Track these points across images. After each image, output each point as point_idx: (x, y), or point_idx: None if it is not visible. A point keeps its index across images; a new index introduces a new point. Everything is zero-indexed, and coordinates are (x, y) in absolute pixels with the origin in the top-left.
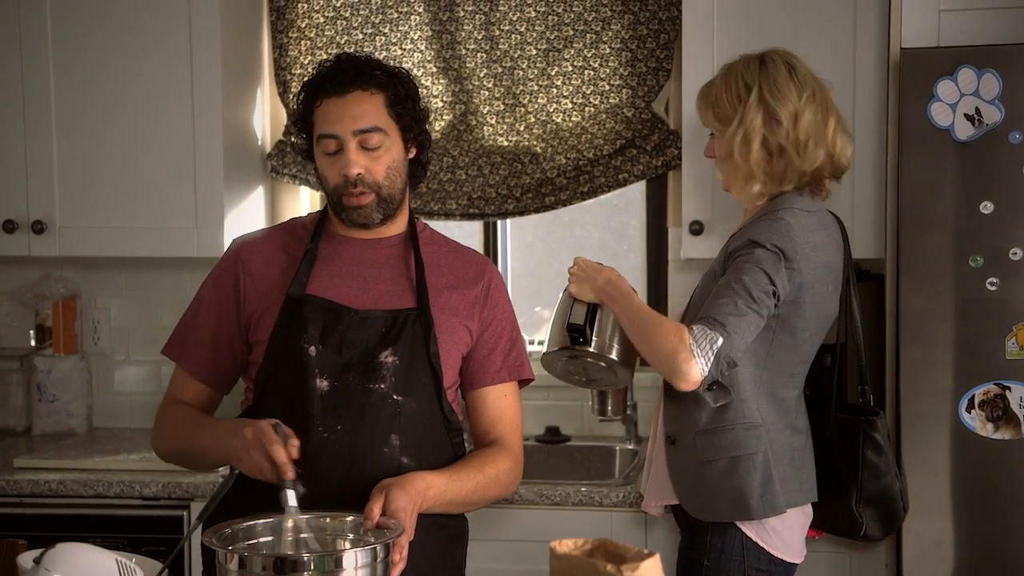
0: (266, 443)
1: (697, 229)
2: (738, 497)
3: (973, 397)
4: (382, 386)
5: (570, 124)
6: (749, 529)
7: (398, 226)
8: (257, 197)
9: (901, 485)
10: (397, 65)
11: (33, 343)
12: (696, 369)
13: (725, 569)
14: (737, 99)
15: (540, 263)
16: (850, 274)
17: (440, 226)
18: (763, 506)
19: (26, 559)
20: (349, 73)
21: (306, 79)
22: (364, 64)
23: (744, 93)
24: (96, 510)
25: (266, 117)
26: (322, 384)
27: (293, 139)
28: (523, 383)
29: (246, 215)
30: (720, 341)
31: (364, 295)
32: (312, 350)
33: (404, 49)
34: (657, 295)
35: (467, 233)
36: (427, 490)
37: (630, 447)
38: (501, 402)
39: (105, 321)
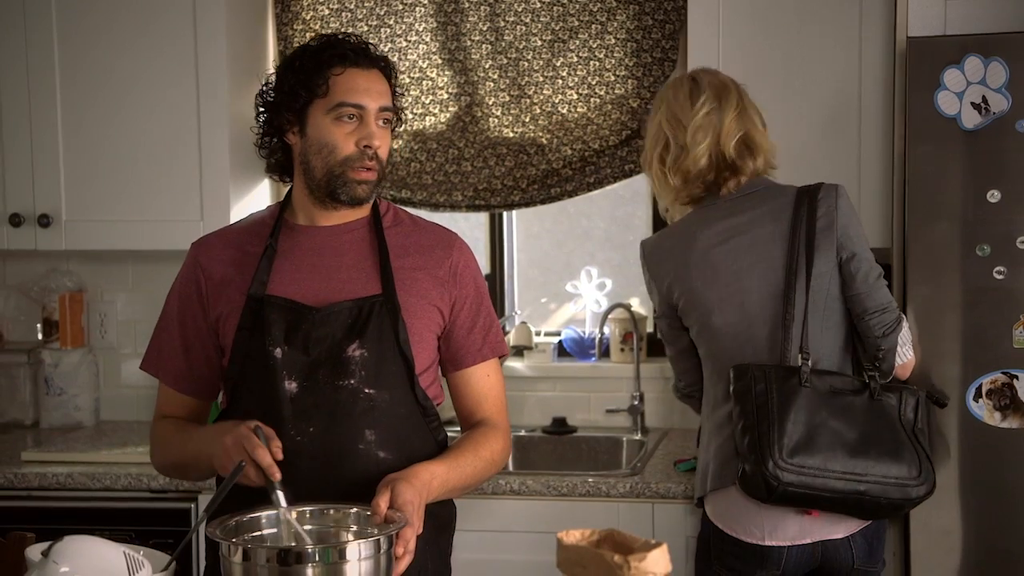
0: (248, 448)
1: None
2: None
3: (981, 386)
4: (352, 381)
5: (576, 115)
6: (707, 505)
7: (362, 210)
8: (262, 190)
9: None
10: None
11: (40, 337)
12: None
13: (700, 547)
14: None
15: (546, 254)
16: (799, 243)
17: (446, 218)
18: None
19: (34, 552)
20: (369, 51)
21: (308, 45)
22: (374, 47)
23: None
24: (104, 503)
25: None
26: (291, 386)
27: (261, 110)
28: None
29: (251, 208)
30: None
31: (327, 287)
32: (278, 352)
33: (409, 40)
34: None
35: (473, 225)
36: (432, 481)
37: (637, 438)
38: (485, 382)
39: (112, 314)
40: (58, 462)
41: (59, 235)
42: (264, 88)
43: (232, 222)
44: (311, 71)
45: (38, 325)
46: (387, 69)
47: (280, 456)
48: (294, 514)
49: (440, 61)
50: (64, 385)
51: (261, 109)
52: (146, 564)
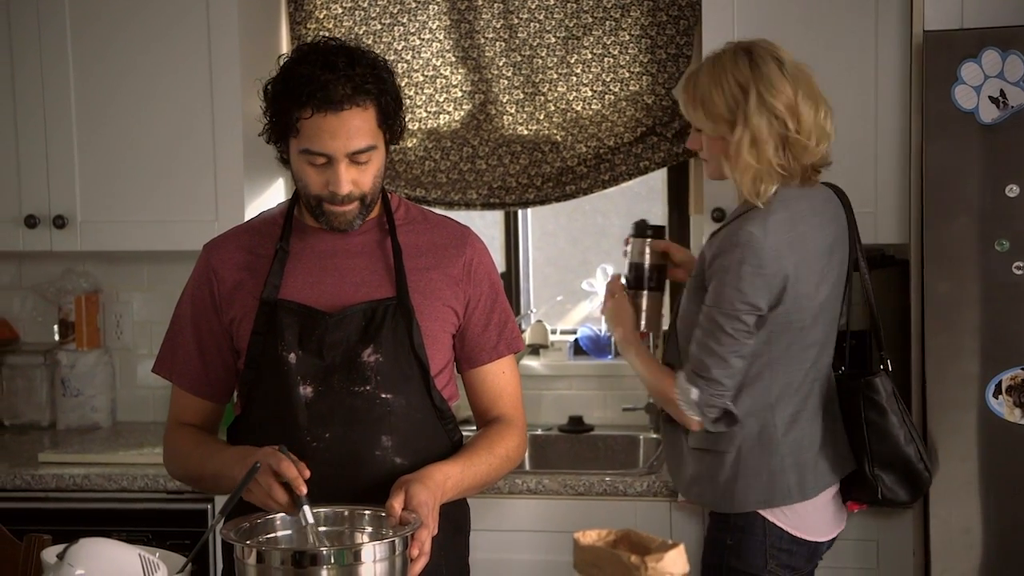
0: (274, 464)
1: (719, 216)
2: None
3: (1000, 383)
4: (367, 387)
5: (590, 112)
6: (768, 510)
7: (373, 209)
8: (277, 189)
9: (920, 447)
10: (381, 58)
11: (57, 338)
12: (693, 421)
13: (747, 548)
14: (734, 100)
15: (562, 252)
16: (854, 246)
17: (460, 216)
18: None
19: (50, 554)
20: (344, 87)
21: (286, 68)
22: (357, 73)
23: (739, 94)
24: (120, 504)
25: None
26: (306, 391)
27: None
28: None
29: (265, 207)
30: (694, 394)
31: (340, 290)
32: (292, 357)
33: (422, 39)
34: (680, 283)
35: (488, 223)
36: (446, 482)
37: (654, 436)
38: (500, 379)
39: (127, 315)
40: (75, 463)
41: (74, 236)
42: (261, 97)
43: (233, 226)
44: (283, 110)
45: (54, 326)
46: (367, 99)
47: (307, 474)
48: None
49: (454, 59)
50: (81, 386)
51: (265, 107)
52: (162, 566)
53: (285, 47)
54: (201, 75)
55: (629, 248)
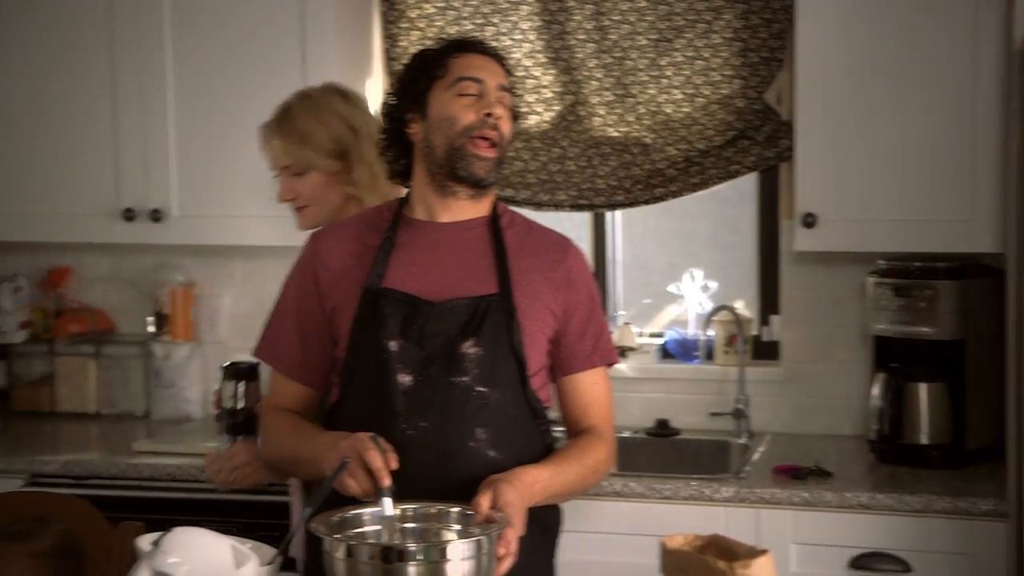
0: (361, 450)
1: (811, 221)
2: None
3: None
4: (465, 378)
5: (680, 115)
6: None
7: (481, 208)
8: None
9: None
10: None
11: (152, 329)
12: None
13: None
14: (343, 137)
15: (650, 255)
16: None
17: (549, 217)
18: None
19: (145, 542)
20: (484, 43)
21: (415, 56)
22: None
23: (347, 131)
24: (211, 495)
25: (377, 107)
26: (404, 379)
27: (385, 104)
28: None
29: None
30: None
31: (443, 282)
32: (392, 345)
33: (513, 39)
34: (769, 288)
35: (576, 224)
36: (534, 484)
37: (741, 442)
38: (593, 389)
39: (220, 309)
40: (169, 453)
41: (170, 230)
42: (386, 94)
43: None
44: (431, 58)
45: (150, 318)
46: (501, 60)
47: (395, 466)
48: (399, 523)
49: (544, 59)
50: (174, 377)
51: (384, 115)
52: (252, 557)
53: (378, 46)
54: (295, 72)
55: (221, 391)
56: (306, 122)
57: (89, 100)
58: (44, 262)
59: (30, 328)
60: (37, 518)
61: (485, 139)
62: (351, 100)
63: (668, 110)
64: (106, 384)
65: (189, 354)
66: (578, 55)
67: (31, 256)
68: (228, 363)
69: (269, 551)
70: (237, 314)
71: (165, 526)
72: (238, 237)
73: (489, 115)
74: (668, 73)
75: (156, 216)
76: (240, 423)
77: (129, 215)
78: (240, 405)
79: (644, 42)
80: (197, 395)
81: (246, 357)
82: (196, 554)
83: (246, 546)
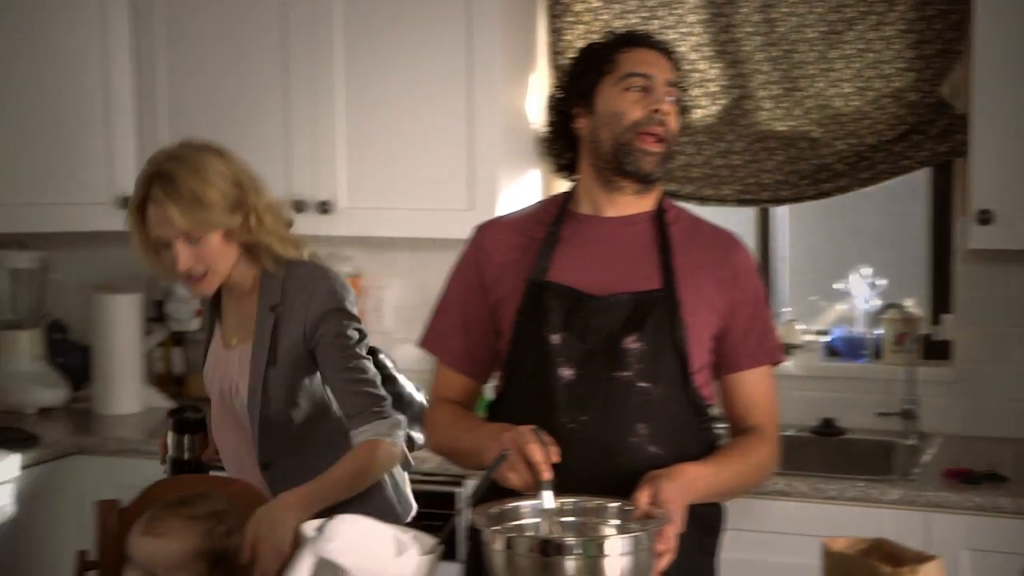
0: (522, 443)
1: (986, 218)
2: None
3: None
4: (627, 373)
5: (850, 108)
6: None
7: (647, 203)
8: (530, 181)
9: None
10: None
11: None
12: None
13: None
14: (230, 190)
15: (817, 251)
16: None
17: (713, 212)
18: None
19: (309, 528)
20: (652, 37)
21: (583, 51)
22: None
23: (232, 185)
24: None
25: (541, 101)
26: (566, 373)
27: (553, 95)
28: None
29: (520, 199)
30: None
31: (607, 277)
32: (555, 338)
33: (679, 32)
34: (941, 286)
35: (741, 219)
36: (696, 481)
37: (909, 443)
38: (758, 387)
39: (386, 300)
40: None
41: (338, 221)
42: (552, 87)
43: (504, 212)
44: (599, 52)
45: None
46: (670, 54)
47: (556, 459)
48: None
49: (711, 53)
50: None
51: (550, 108)
52: (414, 546)
53: (543, 40)
54: (460, 68)
55: (167, 440)
56: (194, 183)
57: (262, 97)
58: None
59: (203, 317)
60: (199, 493)
61: (652, 135)
62: (221, 152)
63: (837, 103)
64: None
65: None
66: (745, 48)
67: None
68: (175, 414)
69: (431, 540)
70: (402, 305)
71: (333, 513)
72: (404, 229)
73: (657, 111)
74: (838, 66)
75: (324, 208)
76: (189, 472)
77: (299, 207)
78: (185, 456)
79: (813, 35)
80: None
81: (193, 407)
82: (357, 540)
83: (407, 535)
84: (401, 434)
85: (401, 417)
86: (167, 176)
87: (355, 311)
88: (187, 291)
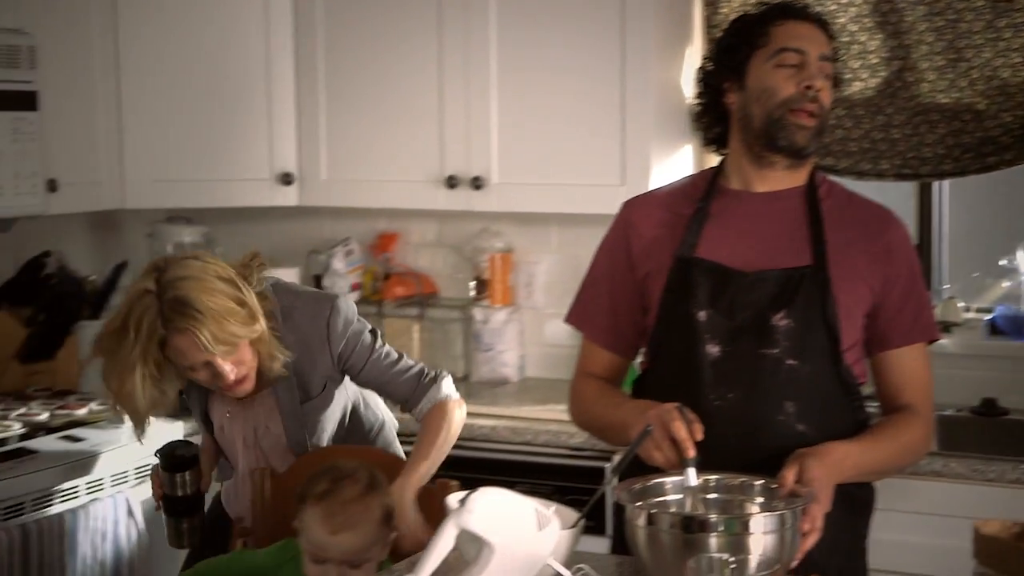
0: (667, 420)
1: None
2: None
3: None
4: (775, 350)
5: (1018, 79)
6: None
7: (798, 178)
8: (683, 156)
9: None
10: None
11: (472, 294)
12: None
13: None
14: (232, 291)
15: (981, 225)
16: None
17: (872, 187)
18: None
19: (453, 500)
20: (808, 8)
21: (733, 22)
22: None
23: (229, 285)
24: (524, 456)
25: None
26: (712, 350)
27: (703, 68)
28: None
29: (672, 174)
30: None
31: (756, 253)
32: (702, 315)
33: (839, 3)
34: None
35: (902, 193)
36: (844, 460)
37: None
38: (911, 365)
39: (537, 275)
40: (485, 415)
41: (490, 197)
42: (703, 59)
43: (653, 188)
44: (751, 26)
45: (471, 283)
46: (825, 26)
47: (700, 436)
48: (702, 493)
49: (871, 24)
50: (492, 341)
51: (699, 81)
52: (555, 520)
53: (698, 13)
54: (613, 43)
55: (161, 479)
56: (207, 301)
57: (416, 74)
58: (374, 228)
59: (360, 290)
60: (349, 466)
61: (805, 111)
62: (198, 256)
63: (1005, 74)
64: (428, 345)
65: (507, 319)
66: (907, 18)
67: (363, 221)
68: (165, 451)
69: (573, 515)
70: (552, 280)
71: (478, 485)
72: (555, 204)
73: (809, 87)
74: (1007, 35)
75: (477, 184)
76: (187, 508)
77: (452, 183)
78: (180, 493)
79: (980, 2)
80: (514, 359)
81: (183, 443)
82: (499, 512)
83: (550, 509)
84: (449, 381)
85: (444, 373)
86: (179, 303)
87: (354, 311)
88: (231, 393)
